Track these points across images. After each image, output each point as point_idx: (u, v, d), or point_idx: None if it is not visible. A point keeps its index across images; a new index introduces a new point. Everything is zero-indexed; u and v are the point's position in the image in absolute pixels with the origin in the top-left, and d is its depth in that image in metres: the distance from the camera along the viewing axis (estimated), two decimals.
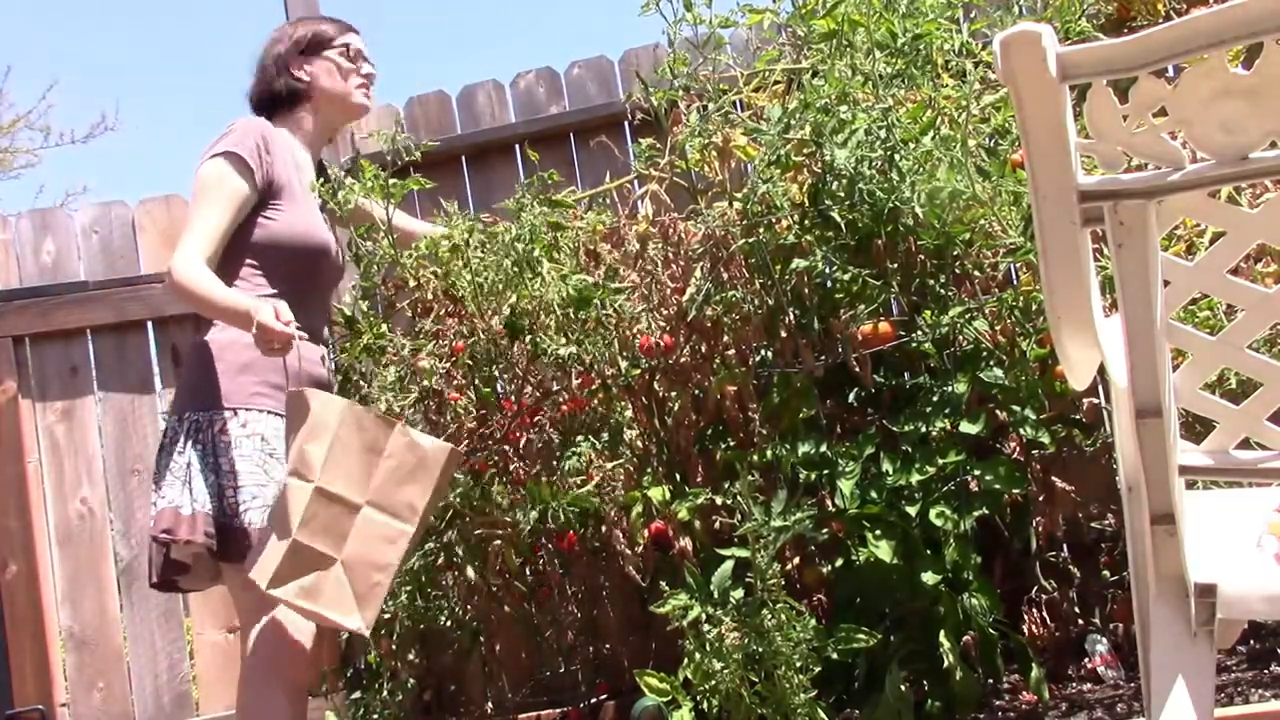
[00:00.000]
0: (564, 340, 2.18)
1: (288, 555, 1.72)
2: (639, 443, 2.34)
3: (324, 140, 2.25)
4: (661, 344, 2.29)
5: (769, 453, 2.23)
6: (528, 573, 2.51)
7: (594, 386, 2.29)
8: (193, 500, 1.85)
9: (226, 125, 2.04)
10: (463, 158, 3.12)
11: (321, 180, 2.18)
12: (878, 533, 2.10)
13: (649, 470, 2.31)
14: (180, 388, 2.03)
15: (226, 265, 1.99)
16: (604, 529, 2.26)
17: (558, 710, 2.67)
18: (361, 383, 2.26)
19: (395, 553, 1.80)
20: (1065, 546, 2.48)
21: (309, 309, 2.05)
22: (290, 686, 1.89)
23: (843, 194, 2.22)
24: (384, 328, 2.30)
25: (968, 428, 2.14)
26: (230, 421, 1.91)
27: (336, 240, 2.16)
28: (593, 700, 2.67)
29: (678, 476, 2.33)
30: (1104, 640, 2.44)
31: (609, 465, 2.24)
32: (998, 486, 2.14)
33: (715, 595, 2.04)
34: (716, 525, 2.25)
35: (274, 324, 1.81)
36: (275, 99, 2.16)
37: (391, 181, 2.16)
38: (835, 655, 2.02)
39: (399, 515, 1.81)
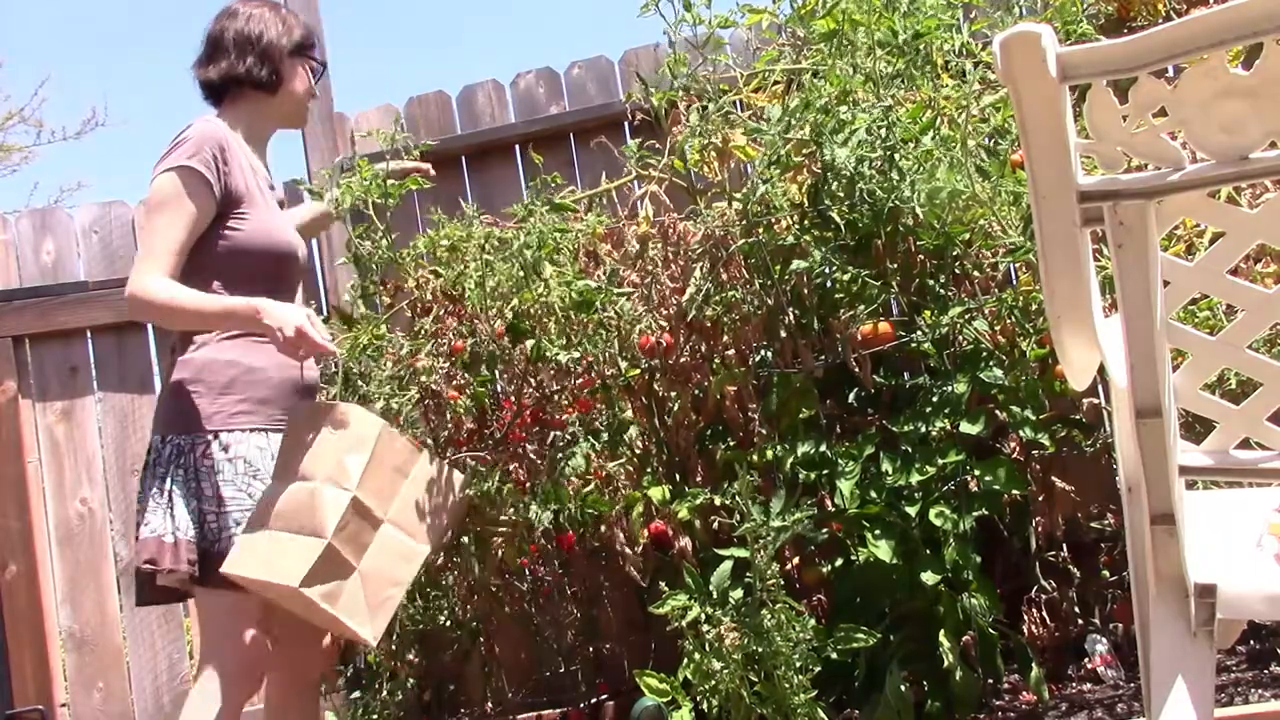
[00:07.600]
0: (565, 343, 2.18)
1: (323, 557, 1.75)
2: (639, 443, 2.34)
3: (265, 139, 2.16)
4: (662, 344, 2.29)
5: (769, 453, 2.23)
6: (527, 573, 2.51)
7: (594, 387, 2.29)
8: (175, 528, 1.84)
9: (179, 132, 1.97)
10: (463, 158, 3.12)
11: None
12: (877, 533, 2.10)
13: (649, 470, 2.31)
14: (160, 408, 1.97)
15: (192, 278, 1.93)
16: (604, 529, 2.27)
17: (558, 710, 2.67)
18: (360, 382, 2.26)
19: (410, 570, 1.87)
20: (1065, 546, 2.48)
21: None
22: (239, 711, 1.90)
23: (843, 194, 2.22)
24: (383, 328, 2.30)
25: (968, 428, 2.14)
26: (212, 445, 1.89)
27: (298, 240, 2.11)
28: (593, 700, 2.67)
29: (678, 476, 2.33)
30: (1104, 640, 2.44)
31: (610, 465, 2.24)
32: (998, 487, 2.14)
33: (715, 595, 2.04)
34: (716, 525, 2.25)
35: (313, 334, 1.82)
36: (237, 82, 2.06)
37: (390, 181, 2.16)
38: (835, 655, 2.02)
39: (415, 536, 1.88)
